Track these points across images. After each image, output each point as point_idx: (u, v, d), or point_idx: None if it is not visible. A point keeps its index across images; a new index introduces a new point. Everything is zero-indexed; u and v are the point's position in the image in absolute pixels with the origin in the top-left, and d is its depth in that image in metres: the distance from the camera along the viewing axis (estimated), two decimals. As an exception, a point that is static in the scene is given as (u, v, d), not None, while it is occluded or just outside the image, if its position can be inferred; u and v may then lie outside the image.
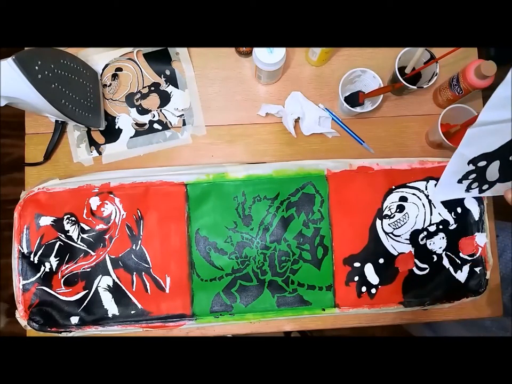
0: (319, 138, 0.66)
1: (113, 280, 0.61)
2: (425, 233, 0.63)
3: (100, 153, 0.66)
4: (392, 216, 0.63)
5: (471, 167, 0.55)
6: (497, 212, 0.65)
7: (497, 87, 0.43)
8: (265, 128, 0.67)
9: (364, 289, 0.62)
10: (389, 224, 0.63)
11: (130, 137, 0.66)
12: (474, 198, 0.63)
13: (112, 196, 0.62)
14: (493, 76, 0.56)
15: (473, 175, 0.56)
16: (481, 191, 0.59)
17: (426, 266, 0.63)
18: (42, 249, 0.61)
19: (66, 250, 0.61)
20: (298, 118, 0.65)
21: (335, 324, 0.63)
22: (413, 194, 0.63)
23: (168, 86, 0.67)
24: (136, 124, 0.66)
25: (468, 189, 0.59)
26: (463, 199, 0.63)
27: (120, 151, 0.66)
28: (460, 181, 0.58)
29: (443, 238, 0.63)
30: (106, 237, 0.62)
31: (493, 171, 0.55)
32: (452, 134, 0.61)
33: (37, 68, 0.51)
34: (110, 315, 0.61)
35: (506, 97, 0.43)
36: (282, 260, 0.62)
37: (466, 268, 0.63)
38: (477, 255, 0.63)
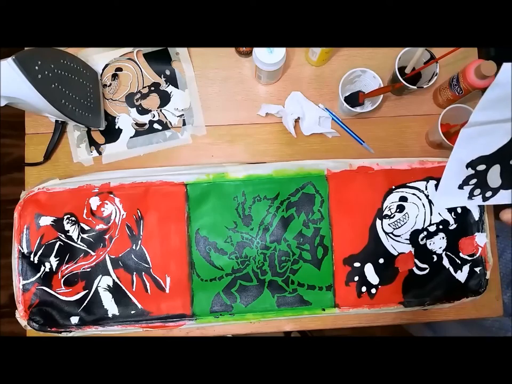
0: (319, 138, 0.66)
1: (113, 280, 0.61)
2: (425, 233, 0.63)
3: (100, 153, 0.66)
4: (392, 216, 0.63)
5: (470, 171, 0.54)
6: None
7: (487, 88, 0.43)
8: (265, 128, 0.67)
9: (363, 289, 0.62)
10: (389, 224, 0.63)
11: (130, 137, 0.66)
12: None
13: (112, 196, 0.62)
14: (493, 75, 0.56)
15: (474, 180, 0.56)
16: (484, 198, 0.58)
17: (426, 266, 0.63)
18: (42, 249, 0.61)
19: (66, 250, 0.61)
20: (298, 118, 0.65)
21: (335, 324, 0.63)
22: (413, 194, 0.63)
23: (168, 86, 0.67)
24: (136, 124, 0.66)
25: (471, 196, 0.58)
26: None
27: (120, 151, 0.66)
28: (460, 187, 0.57)
29: (443, 238, 0.63)
30: (106, 237, 0.62)
31: (494, 176, 0.54)
32: (452, 134, 0.61)
33: (37, 68, 0.51)
34: (110, 315, 0.61)
35: (495, 98, 0.43)
36: (282, 260, 0.62)
37: (466, 268, 0.63)
38: (477, 255, 0.63)
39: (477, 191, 0.57)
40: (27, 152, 0.65)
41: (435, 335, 0.90)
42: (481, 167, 0.54)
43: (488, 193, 0.57)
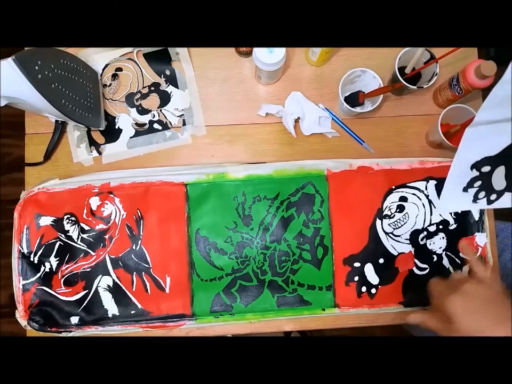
0: (319, 138, 0.66)
1: (113, 280, 0.61)
2: (425, 233, 0.63)
3: (100, 153, 0.66)
4: (392, 216, 0.63)
5: (475, 172, 0.54)
6: (497, 213, 0.65)
7: (494, 86, 0.43)
8: (265, 128, 0.67)
9: (363, 289, 0.62)
10: (389, 224, 0.63)
11: (130, 137, 0.66)
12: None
13: (112, 196, 0.62)
14: (493, 75, 0.56)
15: (479, 183, 0.55)
16: (489, 202, 0.57)
17: (426, 266, 0.63)
18: (42, 249, 0.61)
19: (66, 250, 0.61)
20: (298, 118, 0.65)
21: (335, 324, 0.63)
22: (413, 194, 0.63)
23: (168, 86, 0.67)
24: (136, 124, 0.66)
25: (475, 199, 0.58)
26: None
27: (120, 151, 0.66)
28: (465, 189, 0.56)
29: (443, 238, 0.63)
30: (106, 237, 0.62)
31: (499, 178, 0.53)
32: (452, 134, 0.61)
33: (37, 68, 0.51)
34: (110, 315, 0.61)
35: (502, 96, 0.43)
36: (282, 260, 0.62)
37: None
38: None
39: (482, 194, 0.56)
40: (27, 152, 0.65)
41: (435, 335, 0.90)
42: (486, 169, 0.53)
43: (493, 196, 0.56)
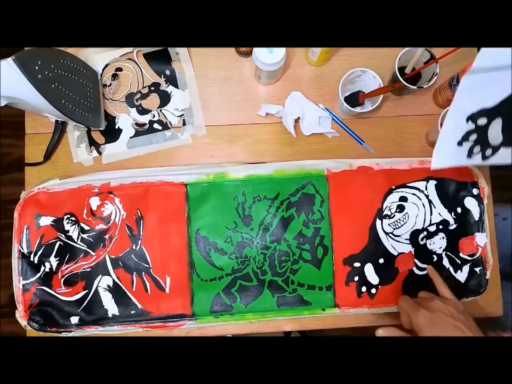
0: (319, 138, 0.66)
1: (113, 280, 0.61)
2: (425, 233, 0.63)
3: (100, 153, 0.66)
4: (392, 216, 0.63)
5: (471, 125, 0.51)
6: (496, 200, 0.65)
7: None
8: (265, 128, 0.67)
9: (364, 289, 0.62)
10: (389, 224, 0.63)
11: (130, 137, 0.66)
12: (474, 198, 0.63)
13: (112, 196, 0.62)
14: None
15: (474, 136, 0.52)
16: (484, 157, 0.53)
17: (426, 266, 0.63)
18: (42, 249, 0.61)
19: (66, 250, 0.61)
20: (298, 118, 0.65)
21: (335, 324, 0.63)
22: (413, 194, 0.63)
23: (168, 86, 0.67)
24: (136, 124, 0.66)
25: (470, 154, 0.54)
26: (463, 199, 0.63)
27: (120, 151, 0.66)
28: (460, 143, 0.53)
29: (443, 238, 0.63)
30: (106, 237, 0.62)
31: (495, 132, 0.50)
32: (452, 134, 0.61)
33: (37, 68, 0.51)
34: (110, 315, 0.61)
35: None
36: (282, 260, 0.62)
37: (466, 268, 0.63)
38: (477, 255, 0.63)
39: (477, 149, 0.53)
40: (27, 152, 0.65)
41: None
42: (483, 121, 0.50)
43: (488, 152, 0.53)
